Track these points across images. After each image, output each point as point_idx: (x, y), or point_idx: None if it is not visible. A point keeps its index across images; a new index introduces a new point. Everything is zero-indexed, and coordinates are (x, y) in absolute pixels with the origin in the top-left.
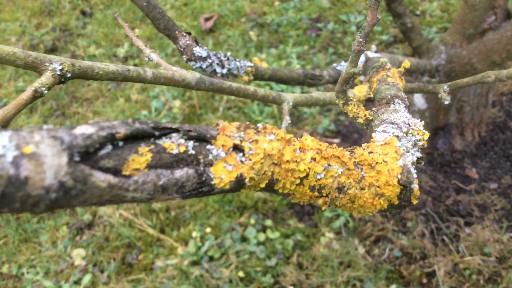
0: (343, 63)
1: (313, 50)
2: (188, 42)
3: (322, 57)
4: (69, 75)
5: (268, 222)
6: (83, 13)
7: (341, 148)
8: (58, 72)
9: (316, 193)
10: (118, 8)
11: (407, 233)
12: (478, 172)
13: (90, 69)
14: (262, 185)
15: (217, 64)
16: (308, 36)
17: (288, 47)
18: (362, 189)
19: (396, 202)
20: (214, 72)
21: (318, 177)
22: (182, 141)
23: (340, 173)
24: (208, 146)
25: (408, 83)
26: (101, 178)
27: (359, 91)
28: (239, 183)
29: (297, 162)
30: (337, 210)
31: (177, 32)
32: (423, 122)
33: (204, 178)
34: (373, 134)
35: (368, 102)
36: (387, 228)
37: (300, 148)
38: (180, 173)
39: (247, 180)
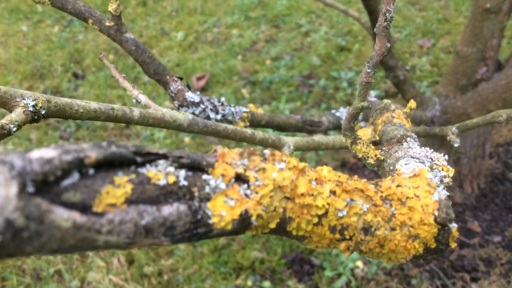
0: (341, 109)
1: (306, 106)
2: (179, 87)
3: (315, 113)
4: (43, 112)
5: (266, 284)
6: (75, 75)
7: (364, 180)
8: (31, 109)
9: (337, 235)
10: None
11: None
12: (481, 225)
13: (68, 106)
14: (272, 225)
15: (211, 109)
16: (300, 92)
17: (281, 103)
18: (393, 229)
19: (433, 246)
20: (208, 118)
21: (340, 214)
22: (171, 169)
23: (365, 209)
24: (204, 176)
25: (412, 127)
26: (63, 216)
27: (363, 134)
28: (243, 223)
29: (314, 196)
30: (337, 269)
31: (168, 76)
32: (446, 156)
33: (199, 216)
34: (397, 167)
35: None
36: (391, 286)
37: (316, 179)
38: (169, 209)
39: (253, 219)
